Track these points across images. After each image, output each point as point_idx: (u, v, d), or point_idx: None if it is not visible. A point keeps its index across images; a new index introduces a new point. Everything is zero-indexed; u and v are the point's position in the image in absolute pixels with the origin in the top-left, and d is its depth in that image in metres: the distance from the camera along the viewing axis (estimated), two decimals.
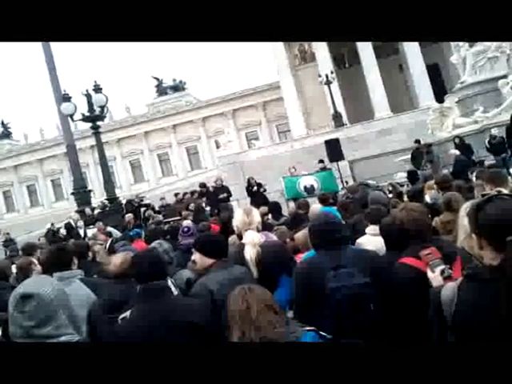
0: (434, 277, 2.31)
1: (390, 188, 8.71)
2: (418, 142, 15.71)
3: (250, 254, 3.55)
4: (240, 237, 4.00)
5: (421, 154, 14.88)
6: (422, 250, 2.59)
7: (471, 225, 1.86)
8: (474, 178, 5.82)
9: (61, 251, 4.00)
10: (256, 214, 3.95)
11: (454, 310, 1.86)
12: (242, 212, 3.93)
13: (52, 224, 17.31)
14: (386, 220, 3.78)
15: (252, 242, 3.62)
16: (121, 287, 3.29)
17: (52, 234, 15.43)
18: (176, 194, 17.05)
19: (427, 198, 5.89)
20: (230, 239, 4.59)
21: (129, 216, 13.05)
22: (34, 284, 1.97)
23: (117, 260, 3.59)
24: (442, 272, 2.28)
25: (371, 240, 4.04)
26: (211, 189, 15.91)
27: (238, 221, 3.90)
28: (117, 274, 3.48)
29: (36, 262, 4.77)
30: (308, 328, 2.13)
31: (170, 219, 13.35)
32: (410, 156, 15.87)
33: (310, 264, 3.08)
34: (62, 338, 1.90)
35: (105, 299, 3.44)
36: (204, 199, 14.79)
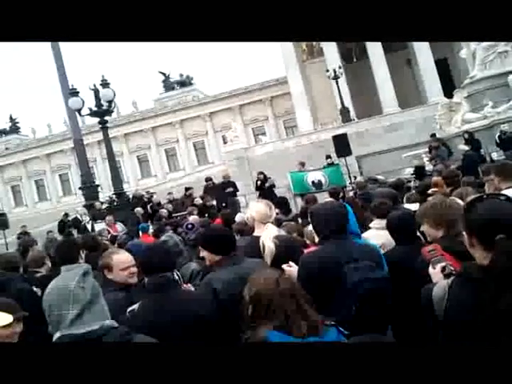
0: (435, 273, 2.29)
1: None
2: (433, 135, 15.60)
3: (272, 246, 3.45)
4: (241, 232, 3.93)
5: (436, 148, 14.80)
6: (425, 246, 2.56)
7: (462, 224, 1.87)
8: (481, 174, 5.78)
9: (67, 245, 4.03)
10: (274, 210, 3.88)
11: (444, 308, 1.87)
12: (264, 204, 3.82)
13: (66, 214, 17.25)
14: (395, 214, 3.74)
15: (273, 235, 3.56)
16: None
17: (63, 226, 15.48)
18: (187, 189, 16.01)
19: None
20: None
21: (138, 211, 13.20)
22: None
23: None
24: (443, 269, 2.26)
25: (377, 234, 3.99)
26: (217, 183, 15.85)
27: (259, 212, 3.73)
28: None
29: (47, 257, 4.77)
30: (329, 322, 2.05)
31: (177, 214, 13.42)
32: (417, 152, 15.79)
33: (321, 256, 2.93)
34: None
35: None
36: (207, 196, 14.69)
